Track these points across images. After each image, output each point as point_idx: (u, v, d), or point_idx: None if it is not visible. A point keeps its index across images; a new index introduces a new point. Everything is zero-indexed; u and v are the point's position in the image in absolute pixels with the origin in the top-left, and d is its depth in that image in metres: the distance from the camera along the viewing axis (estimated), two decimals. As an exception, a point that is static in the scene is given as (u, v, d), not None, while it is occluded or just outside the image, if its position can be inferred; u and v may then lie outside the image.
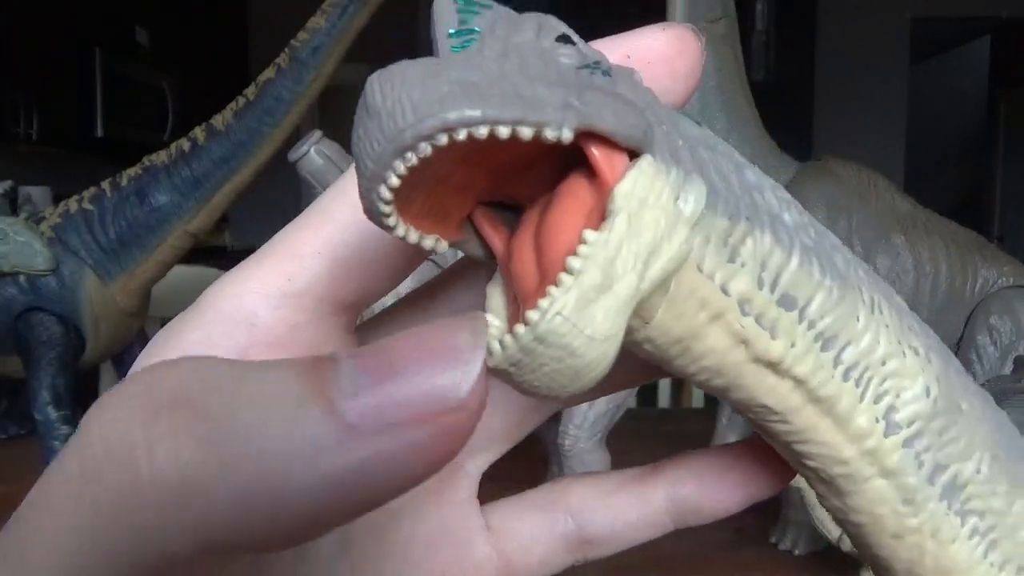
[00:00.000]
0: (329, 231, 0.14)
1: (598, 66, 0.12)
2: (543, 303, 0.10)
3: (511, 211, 0.12)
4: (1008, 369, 0.68)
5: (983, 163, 5.66)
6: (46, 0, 3.03)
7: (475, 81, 0.10)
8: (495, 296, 0.12)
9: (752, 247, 0.12)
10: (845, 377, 0.14)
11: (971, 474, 0.15)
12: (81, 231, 0.89)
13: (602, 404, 0.63)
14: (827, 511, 0.16)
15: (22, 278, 0.87)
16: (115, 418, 0.10)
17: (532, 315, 0.10)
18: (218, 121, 0.88)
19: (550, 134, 0.10)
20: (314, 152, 0.64)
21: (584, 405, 0.68)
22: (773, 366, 0.13)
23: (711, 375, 0.13)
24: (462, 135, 0.10)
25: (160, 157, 0.89)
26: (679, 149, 0.12)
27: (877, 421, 0.14)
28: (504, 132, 0.10)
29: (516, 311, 0.11)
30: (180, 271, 1.34)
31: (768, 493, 0.17)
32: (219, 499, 0.09)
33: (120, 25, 3.58)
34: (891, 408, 0.14)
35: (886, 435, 0.14)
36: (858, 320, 0.13)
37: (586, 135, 0.10)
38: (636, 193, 0.11)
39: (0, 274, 0.86)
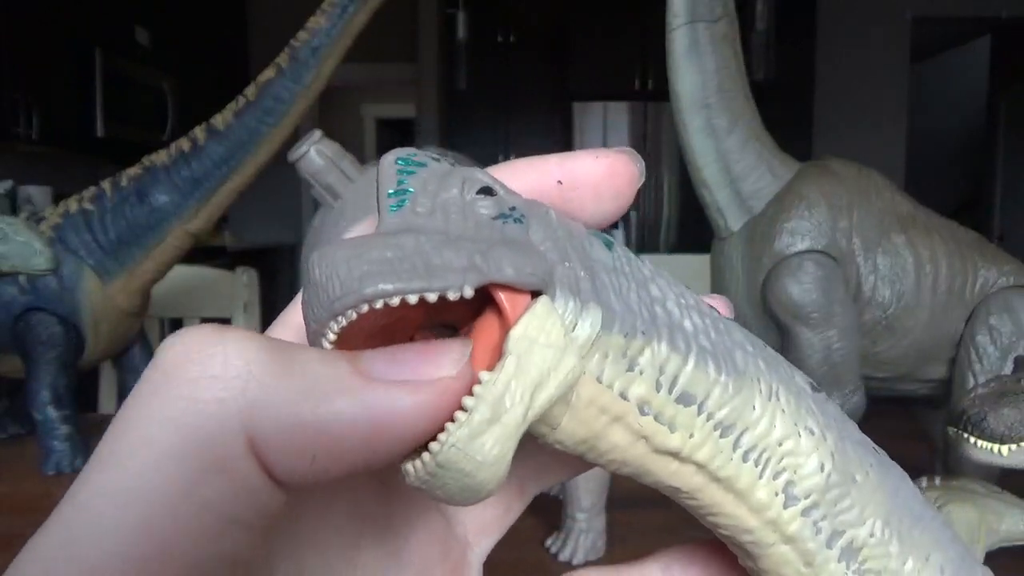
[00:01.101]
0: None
1: (512, 212, 0.14)
2: (441, 436, 0.13)
3: (451, 330, 0.15)
4: (1008, 369, 0.68)
5: (983, 163, 5.66)
6: (46, 0, 3.02)
7: (390, 258, 0.13)
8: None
9: (650, 356, 0.14)
10: (744, 459, 0.15)
11: (865, 537, 0.16)
12: (81, 231, 0.89)
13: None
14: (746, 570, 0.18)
15: (22, 278, 0.87)
16: (192, 332, 0.13)
17: (434, 446, 0.13)
18: (218, 121, 0.88)
19: (452, 295, 0.13)
20: (314, 152, 0.64)
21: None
22: (674, 454, 0.15)
23: (619, 465, 0.15)
24: (379, 304, 0.12)
25: (160, 157, 0.89)
26: (579, 281, 0.14)
27: (776, 495, 0.16)
28: (412, 299, 0.12)
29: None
30: (180, 271, 1.34)
31: None
32: (275, 400, 0.12)
33: (120, 25, 3.58)
34: (789, 483, 0.16)
35: (785, 507, 0.16)
36: (754, 408, 0.15)
37: (492, 287, 0.13)
38: (527, 335, 0.13)
39: (0, 274, 0.86)
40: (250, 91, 0.88)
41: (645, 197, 4.65)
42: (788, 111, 4.54)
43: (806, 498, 0.16)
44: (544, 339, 0.13)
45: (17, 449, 0.97)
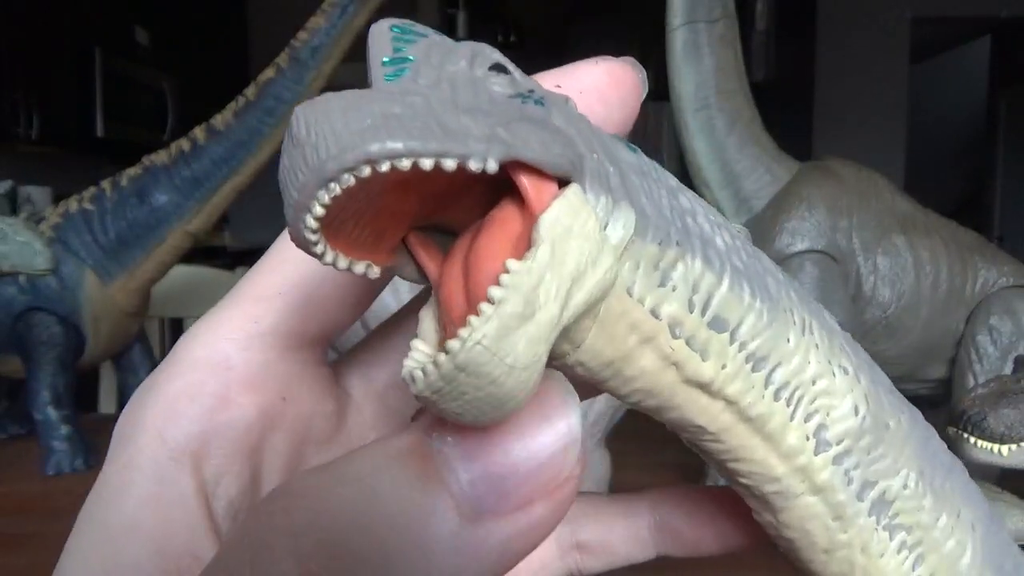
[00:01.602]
0: (287, 271, 0.15)
1: (531, 95, 0.12)
2: (464, 332, 0.10)
3: (447, 235, 0.12)
4: (1008, 369, 0.68)
5: (983, 163, 5.66)
6: (46, 0, 3.02)
7: (398, 113, 0.10)
8: (427, 320, 0.11)
9: (683, 271, 0.13)
10: (776, 397, 0.14)
11: (898, 490, 0.15)
12: (81, 231, 0.89)
13: (602, 404, 0.63)
14: (761, 526, 0.16)
15: (22, 278, 0.87)
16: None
17: (453, 344, 0.10)
18: (218, 121, 0.88)
19: (474, 165, 0.10)
20: (314, 152, 0.64)
21: (584, 404, 0.67)
22: (704, 387, 0.13)
23: (643, 396, 0.13)
24: (385, 167, 0.10)
25: (160, 157, 0.89)
26: (609, 176, 0.12)
27: (808, 439, 0.14)
28: (427, 164, 0.10)
29: (449, 334, 0.11)
30: (180, 271, 1.34)
31: (742, 546, 0.18)
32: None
33: (120, 25, 3.58)
34: (821, 427, 0.14)
35: (816, 453, 0.14)
36: (788, 341, 0.14)
37: (516, 164, 0.11)
38: (561, 222, 0.11)
39: (0, 274, 0.86)
40: (250, 91, 0.88)
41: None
42: (788, 111, 4.54)
43: (838, 444, 0.14)
44: (579, 229, 0.11)
45: (17, 449, 0.97)
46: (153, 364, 0.99)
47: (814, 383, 0.14)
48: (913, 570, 0.15)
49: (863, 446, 0.15)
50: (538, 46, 4.61)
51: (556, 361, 0.12)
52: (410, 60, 0.12)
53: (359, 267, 0.12)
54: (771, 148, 0.75)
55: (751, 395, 0.14)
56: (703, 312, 0.13)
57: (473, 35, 3.59)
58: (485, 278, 0.11)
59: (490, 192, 0.11)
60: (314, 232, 0.11)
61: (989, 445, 0.47)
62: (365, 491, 0.10)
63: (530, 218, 0.11)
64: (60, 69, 3.14)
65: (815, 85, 4.67)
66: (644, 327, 0.12)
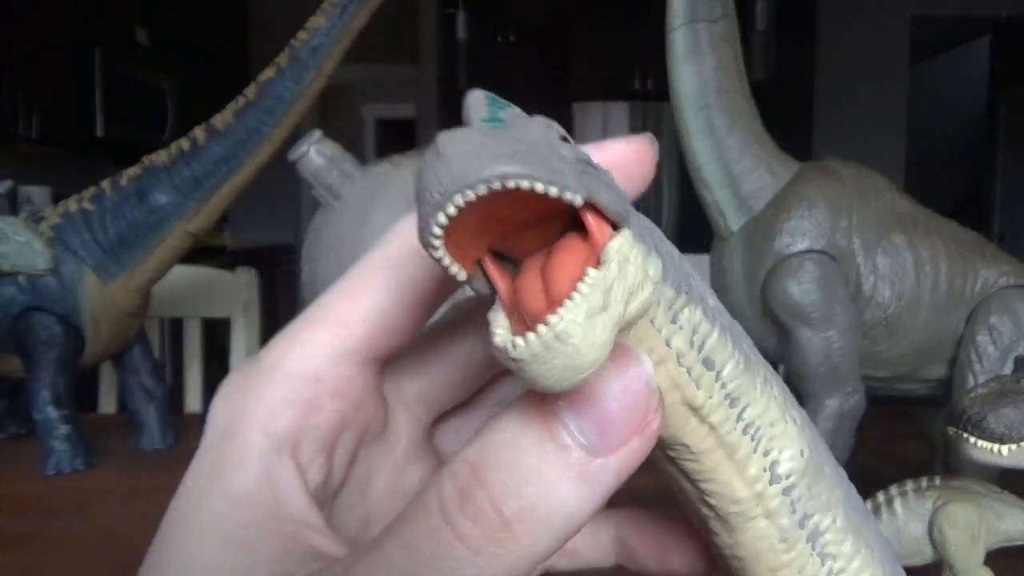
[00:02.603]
0: (369, 301, 0.19)
1: (588, 162, 0.15)
2: (561, 311, 0.13)
3: (508, 262, 0.16)
4: (1008, 369, 0.68)
5: (983, 163, 5.66)
6: (46, 0, 3.02)
7: (522, 150, 0.13)
8: (498, 318, 0.15)
9: (688, 315, 0.16)
10: (744, 431, 0.17)
11: (829, 524, 0.19)
12: (81, 231, 0.89)
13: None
14: (714, 548, 0.19)
15: (22, 278, 0.87)
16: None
17: (553, 319, 0.13)
18: (218, 121, 0.88)
19: (568, 196, 0.13)
20: (314, 152, 0.64)
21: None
22: (695, 411, 0.17)
23: None
24: (510, 184, 0.13)
25: (160, 157, 0.89)
26: (643, 231, 0.15)
27: (764, 471, 0.18)
28: (539, 188, 0.13)
29: (519, 328, 0.14)
30: (180, 271, 1.34)
31: (681, 570, 0.22)
32: (516, 548, 0.14)
33: (120, 25, 3.58)
34: (775, 462, 0.18)
35: (770, 483, 0.18)
36: (755, 389, 0.17)
37: (585, 205, 0.14)
38: (622, 251, 0.14)
39: (0, 274, 0.86)
40: (250, 91, 0.88)
41: (645, 197, 4.65)
42: (788, 111, 4.54)
43: (787, 478, 0.18)
44: (633, 259, 0.14)
45: (17, 449, 0.97)
46: (153, 364, 0.99)
47: (772, 426, 0.18)
48: None
49: (805, 483, 0.18)
50: (538, 46, 4.61)
51: None
52: (502, 121, 0.16)
53: (454, 268, 0.15)
54: (771, 148, 0.75)
55: (727, 425, 0.17)
56: (699, 350, 0.16)
57: (473, 35, 3.60)
58: (565, 283, 0.14)
59: (542, 235, 0.15)
60: (441, 227, 0.14)
61: (989, 445, 0.47)
62: (517, 450, 0.14)
63: (594, 246, 0.14)
64: (60, 69, 3.14)
65: (815, 85, 4.66)
66: (659, 351, 0.16)
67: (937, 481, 0.56)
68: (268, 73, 0.87)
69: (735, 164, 0.73)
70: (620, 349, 0.15)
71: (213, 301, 1.41)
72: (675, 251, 0.17)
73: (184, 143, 0.89)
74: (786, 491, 0.18)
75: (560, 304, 0.13)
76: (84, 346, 0.90)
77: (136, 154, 1.02)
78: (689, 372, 0.16)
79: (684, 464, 0.18)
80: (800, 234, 0.71)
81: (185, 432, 1.01)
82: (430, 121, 4.86)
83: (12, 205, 0.91)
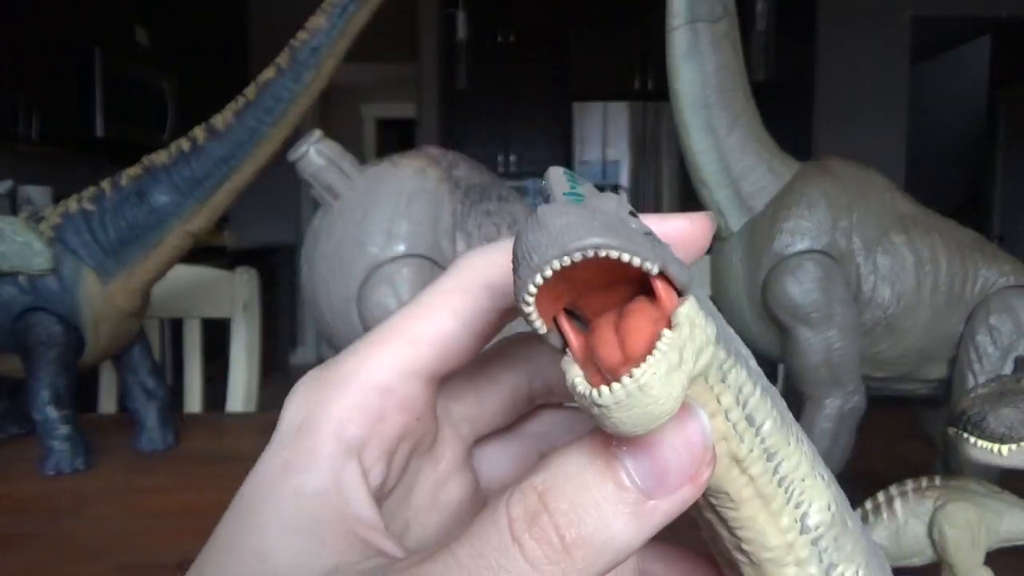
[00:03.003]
0: (439, 325, 0.21)
1: (652, 235, 0.17)
2: (645, 366, 0.15)
3: (577, 320, 0.18)
4: (1008, 369, 0.68)
5: (983, 163, 5.66)
6: (46, 0, 3.02)
7: (609, 224, 0.16)
8: (574, 369, 0.16)
9: (735, 376, 0.18)
10: (779, 484, 0.19)
11: (852, 574, 0.20)
12: (81, 231, 0.88)
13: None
14: None
15: (22, 278, 0.87)
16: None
17: (637, 372, 0.15)
18: (218, 121, 0.88)
19: (648, 266, 0.16)
20: (314, 152, 0.64)
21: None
22: (738, 462, 0.19)
23: None
24: (602, 254, 0.15)
25: (160, 157, 0.89)
26: (699, 298, 0.17)
27: (796, 521, 0.20)
28: (626, 258, 0.15)
29: (594, 379, 0.16)
30: (180, 271, 1.34)
31: None
32: (572, 570, 0.16)
33: (120, 25, 3.58)
34: (805, 515, 0.20)
35: (800, 533, 0.20)
36: (789, 445, 0.19)
37: (660, 275, 0.16)
38: (690, 315, 0.16)
39: (0, 274, 0.86)
40: (250, 91, 0.88)
41: (645, 197, 4.65)
42: (788, 111, 4.54)
43: (816, 529, 0.20)
44: (699, 323, 0.16)
45: (17, 449, 0.97)
46: (153, 364, 0.99)
47: (803, 480, 0.20)
48: None
49: (832, 535, 0.20)
50: (538, 46, 4.61)
51: None
52: (582, 196, 0.17)
53: (539, 323, 0.17)
54: (771, 148, 0.75)
55: (764, 478, 0.19)
56: (743, 407, 0.18)
57: (473, 35, 3.59)
58: (639, 341, 0.16)
59: (610, 298, 0.17)
60: (535, 287, 0.16)
61: (989, 445, 0.47)
62: (581, 484, 0.16)
63: (662, 310, 0.16)
64: (60, 69, 3.14)
65: (815, 85, 4.66)
66: (710, 406, 0.18)
67: (937, 481, 0.56)
68: (268, 73, 0.87)
69: (735, 164, 0.73)
70: (682, 405, 0.16)
71: (213, 301, 1.41)
72: (720, 316, 0.19)
73: (184, 143, 0.89)
74: (815, 542, 0.20)
75: (636, 360, 0.15)
76: (84, 346, 0.90)
77: (136, 154, 1.02)
78: (735, 427, 0.18)
79: (724, 512, 0.20)
80: (800, 234, 0.71)
81: (185, 432, 1.01)
82: (430, 121, 4.86)
83: (12, 205, 0.91)
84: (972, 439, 0.48)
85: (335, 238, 0.63)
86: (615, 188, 4.64)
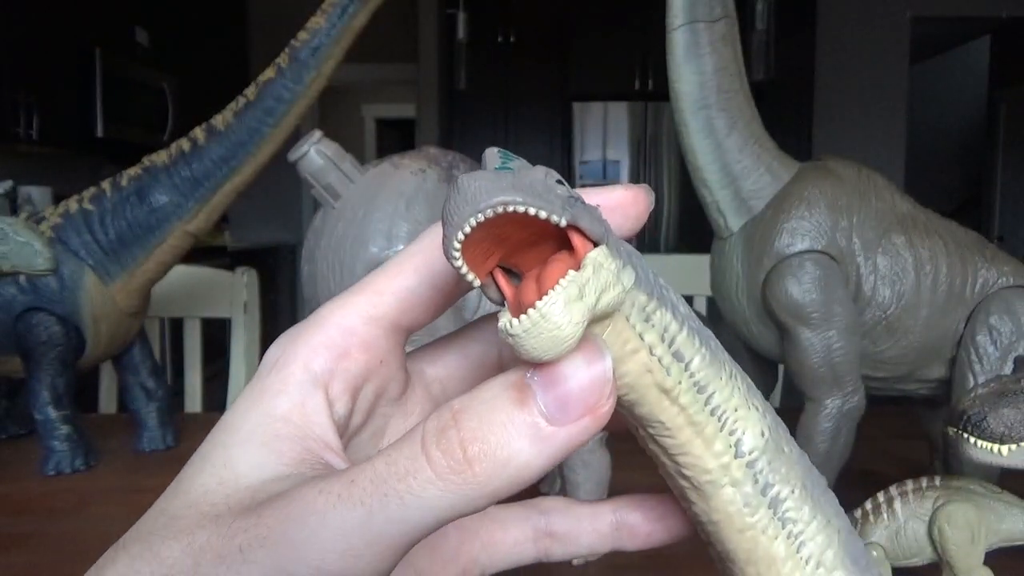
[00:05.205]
0: (401, 280, 0.24)
1: (578, 198, 0.19)
2: (546, 298, 0.18)
3: (514, 276, 0.21)
4: (1008, 369, 0.68)
5: (983, 163, 5.66)
6: (46, 0, 3.02)
7: (521, 186, 0.18)
8: (505, 315, 0.19)
9: (659, 317, 0.20)
10: (711, 413, 0.21)
11: (788, 493, 0.22)
12: (81, 231, 0.89)
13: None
14: (693, 517, 0.23)
15: (22, 278, 0.87)
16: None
17: (539, 303, 0.17)
18: (218, 121, 0.88)
19: (555, 218, 0.18)
20: (314, 152, 0.64)
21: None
22: (666, 392, 0.21)
23: (627, 391, 0.21)
24: (510, 209, 0.18)
25: (160, 157, 0.89)
26: (620, 249, 0.20)
27: (730, 447, 0.22)
28: (531, 211, 0.18)
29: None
30: (180, 271, 1.34)
31: (682, 536, 0.26)
32: (473, 482, 0.18)
33: (120, 25, 3.58)
34: (739, 440, 0.22)
35: (735, 456, 0.22)
36: (720, 379, 0.21)
37: (571, 227, 0.18)
38: (597, 259, 0.18)
39: (0, 274, 0.86)
40: (250, 91, 0.88)
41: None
42: (788, 111, 4.54)
43: (750, 454, 0.22)
44: (606, 267, 0.18)
45: (17, 449, 0.97)
46: (154, 364, 0.99)
47: (736, 410, 0.22)
48: (797, 552, 0.23)
49: (766, 459, 0.22)
50: (538, 46, 4.61)
51: None
52: (511, 168, 0.20)
53: (470, 276, 0.19)
54: (771, 148, 0.75)
55: (695, 407, 0.21)
56: (669, 345, 0.20)
57: (473, 35, 3.59)
58: (551, 284, 0.18)
59: (540, 253, 0.20)
60: (459, 243, 0.18)
61: (989, 445, 0.47)
62: (491, 407, 0.18)
63: (576, 259, 0.18)
64: (60, 69, 3.14)
65: (815, 85, 4.66)
66: (632, 342, 0.20)
67: (937, 481, 0.56)
68: (268, 73, 0.87)
69: (735, 164, 0.73)
70: (590, 343, 0.19)
71: (213, 301, 1.41)
72: (651, 270, 0.21)
73: (184, 143, 0.89)
74: (749, 464, 0.22)
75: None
76: (84, 346, 0.90)
77: (136, 154, 1.02)
78: (660, 361, 0.20)
79: (663, 440, 0.22)
80: (800, 234, 0.71)
81: (185, 432, 1.01)
82: (430, 121, 4.86)
83: (12, 205, 0.90)
84: (972, 439, 0.48)
85: (335, 238, 0.63)
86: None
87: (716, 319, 0.83)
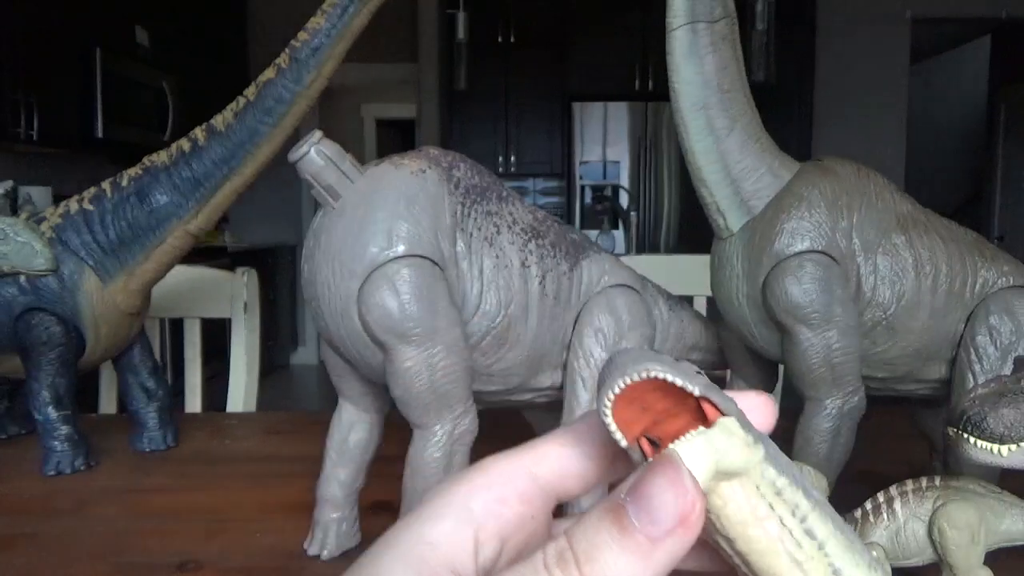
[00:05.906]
0: (562, 447, 0.26)
1: (713, 385, 0.22)
2: (679, 441, 0.21)
3: (654, 445, 0.23)
4: (1008, 369, 0.68)
5: (983, 163, 5.66)
6: (46, 0, 3.02)
7: (663, 360, 0.22)
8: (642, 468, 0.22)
9: (790, 494, 0.22)
10: None
11: None
12: (81, 231, 0.88)
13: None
14: None
15: (22, 278, 0.87)
16: None
17: (672, 444, 0.21)
18: (218, 121, 0.88)
19: (689, 387, 0.21)
20: (314, 152, 0.64)
21: (584, 402, 0.68)
22: (798, 564, 0.22)
23: (753, 554, 0.22)
24: (652, 375, 0.21)
25: (160, 157, 0.89)
26: (751, 427, 0.22)
27: None
28: (670, 378, 0.21)
29: None
30: (180, 271, 1.34)
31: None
32: None
33: (120, 25, 3.58)
34: None
35: None
36: (858, 568, 0.23)
37: (704, 400, 0.22)
38: (727, 424, 0.21)
39: (0, 274, 0.86)
40: (250, 91, 0.88)
41: (645, 197, 4.65)
42: (788, 111, 4.54)
43: None
44: (735, 432, 0.21)
45: (17, 449, 0.97)
46: (154, 364, 0.99)
47: None
48: None
49: None
50: (538, 46, 4.61)
51: (710, 513, 0.22)
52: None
53: (618, 434, 0.22)
54: (771, 148, 0.75)
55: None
56: (801, 521, 0.22)
57: (473, 35, 3.59)
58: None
59: (681, 426, 0.22)
60: (610, 401, 0.22)
61: (989, 445, 0.47)
62: (596, 528, 0.21)
63: (707, 426, 0.22)
64: (60, 69, 3.14)
65: (815, 85, 4.67)
66: (760, 510, 0.22)
67: (937, 481, 0.56)
68: (268, 73, 0.87)
69: (735, 164, 0.73)
70: (667, 462, 0.21)
71: (213, 301, 1.41)
72: (785, 458, 0.23)
73: (184, 143, 0.89)
74: None
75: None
76: (84, 346, 0.90)
77: (136, 154, 1.03)
78: (791, 533, 0.22)
79: None
80: (800, 234, 0.71)
81: (185, 432, 1.01)
82: (430, 121, 4.86)
83: (12, 205, 0.91)
84: (972, 439, 0.48)
85: (335, 238, 0.63)
86: (615, 188, 4.64)
87: (716, 319, 0.83)
